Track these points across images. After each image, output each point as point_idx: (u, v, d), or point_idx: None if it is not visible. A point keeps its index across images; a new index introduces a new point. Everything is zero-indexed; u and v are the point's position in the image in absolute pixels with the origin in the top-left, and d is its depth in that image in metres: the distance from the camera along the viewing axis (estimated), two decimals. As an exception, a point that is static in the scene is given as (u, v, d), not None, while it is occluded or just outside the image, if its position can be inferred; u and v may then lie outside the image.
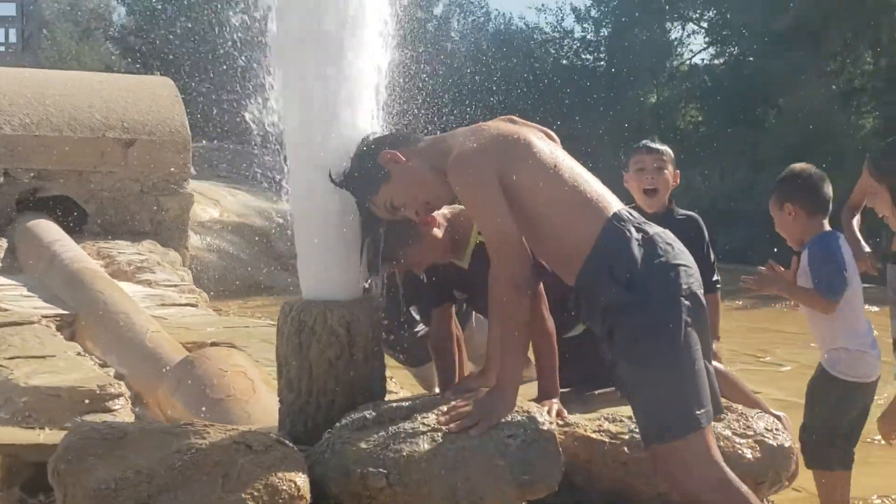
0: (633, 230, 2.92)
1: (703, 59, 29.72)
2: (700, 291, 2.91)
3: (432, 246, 3.30)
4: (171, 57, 21.54)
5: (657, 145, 4.59)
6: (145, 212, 9.25)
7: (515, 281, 2.93)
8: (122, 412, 4.34)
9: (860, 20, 23.75)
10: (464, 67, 29.01)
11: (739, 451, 3.10)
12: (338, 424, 2.91)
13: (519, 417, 2.89)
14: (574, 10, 30.30)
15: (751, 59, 26.21)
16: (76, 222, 9.03)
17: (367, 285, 3.26)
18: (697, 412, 2.80)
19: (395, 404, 2.99)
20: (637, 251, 2.89)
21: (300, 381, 3.11)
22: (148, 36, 25.65)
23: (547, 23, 31.39)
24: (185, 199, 9.40)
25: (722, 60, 28.26)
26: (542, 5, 41.71)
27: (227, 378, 4.29)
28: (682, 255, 2.94)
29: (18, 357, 4.89)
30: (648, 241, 2.91)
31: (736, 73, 26.04)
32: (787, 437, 3.26)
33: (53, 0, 46.39)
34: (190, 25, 24.86)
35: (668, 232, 2.99)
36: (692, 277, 2.91)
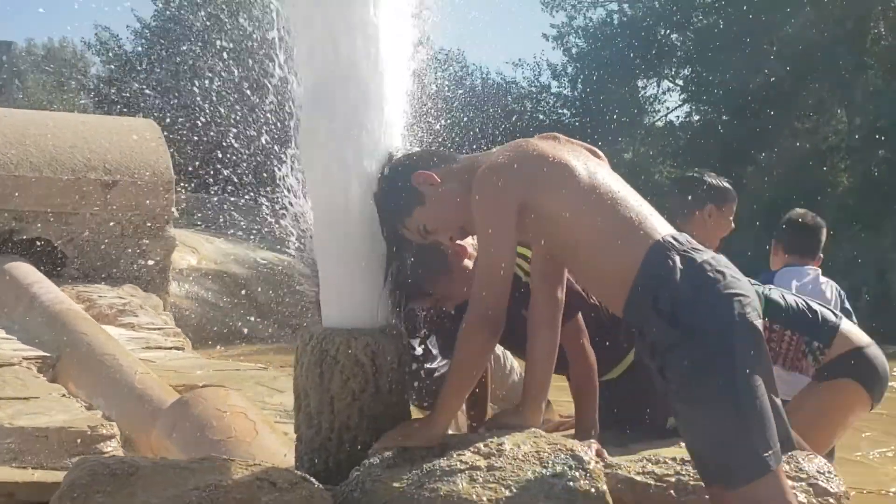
0: (677, 258, 2.70)
1: (678, 117, 29.86)
2: (758, 322, 2.69)
3: (462, 278, 3.09)
4: (147, 107, 21.34)
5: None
6: (126, 255, 8.96)
7: (488, 315, 2.75)
8: (115, 454, 4.07)
9: (833, 79, 23.93)
10: (440, 121, 28.98)
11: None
12: (366, 462, 2.67)
13: (563, 456, 2.66)
14: (550, 65, 30.37)
15: (725, 117, 26.34)
16: (55, 265, 8.73)
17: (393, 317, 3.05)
18: (765, 454, 2.58)
19: (425, 440, 2.75)
20: (681, 279, 2.67)
21: (321, 415, 2.88)
22: (123, 86, 25.41)
23: (524, 77, 31.41)
24: (168, 242, 9.13)
25: (698, 118, 28.37)
26: (520, 60, 41.82)
27: (227, 419, 4.04)
28: (735, 282, 2.71)
29: (1, 398, 4.61)
30: (696, 269, 2.69)
31: (711, 131, 26.14)
32: (840, 481, 3.04)
33: (26, 52, 46.25)
34: (165, 75, 24.81)
35: (720, 257, 2.77)
36: (748, 307, 2.68)
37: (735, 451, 2.59)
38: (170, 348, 6.40)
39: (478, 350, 2.79)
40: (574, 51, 29.90)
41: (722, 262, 2.75)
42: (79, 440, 3.98)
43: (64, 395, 4.89)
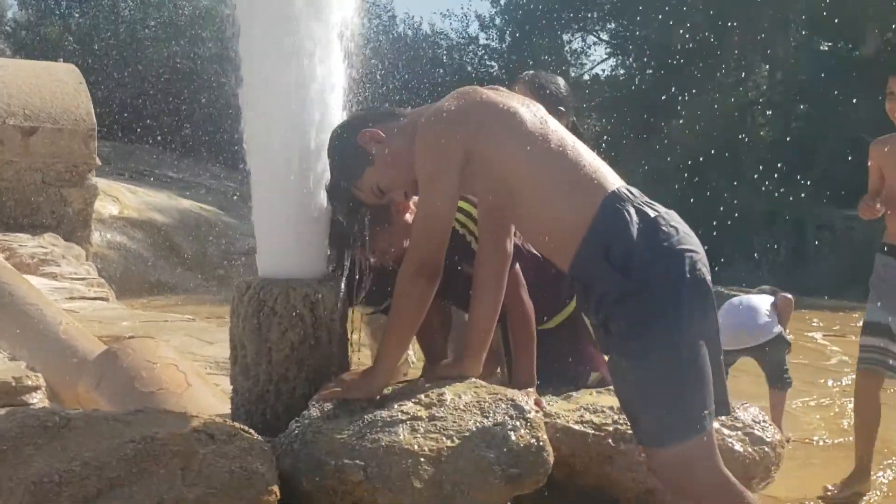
0: (632, 210, 2.67)
1: (604, 70, 29.95)
2: (708, 278, 2.67)
3: (403, 233, 3.04)
4: (67, 52, 20.83)
5: None
6: (47, 204, 8.74)
7: (425, 266, 2.71)
8: (41, 406, 3.98)
9: (755, 35, 24.16)
10: (368, 72, 28.70)
11: (730, 444, 2.92)
12: (306, 413, 2.63)
13: (504, 405, 2.65)
14: (479, 17, 30.21)
15: (649, 71, 26.48)
16: (-28, 214, 8.51)
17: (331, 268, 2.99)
18: (702, 413, 2.57)
19: (365, 391, 2.72)
20: (636, 234, 2.64)
21: (258, 366, 2.82)
22: (41, 31, 24.73)
23: (452, 29, 31.26)
24: (90, 191, 8.92)
25: (623, 72, 28.50)
26: (448, 11, 41.63)
27: (157, 371, 3.97)
28: (687, 238, 2.66)
29: (-82, 350, 4.49)
30: (650, 223, 2.65)
31: (636, 85, 26.28)
32: (775, 430, 3.08)
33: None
34: (85, 21, 24.22)
35: (672, 213, 2.73)
36: (698, 263, 2.65)
37: (670, 409, 2.57)
38: (94, 299, 6.28)
39: (415, 299, 2.75)
40: (502, 1, 29.76)
41: (674, 218, 2.71)
42: (3, 392, 3.88)
43: (-15, 347, 4.77)
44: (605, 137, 27.71)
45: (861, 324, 4.91)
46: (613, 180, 2.73)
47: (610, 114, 27.41)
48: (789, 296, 6.27)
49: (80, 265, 7.55)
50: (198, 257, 12.84)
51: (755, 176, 21.90)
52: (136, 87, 21.74)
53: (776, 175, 21.64)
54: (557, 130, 2.78)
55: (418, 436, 2.49)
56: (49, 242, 8.05)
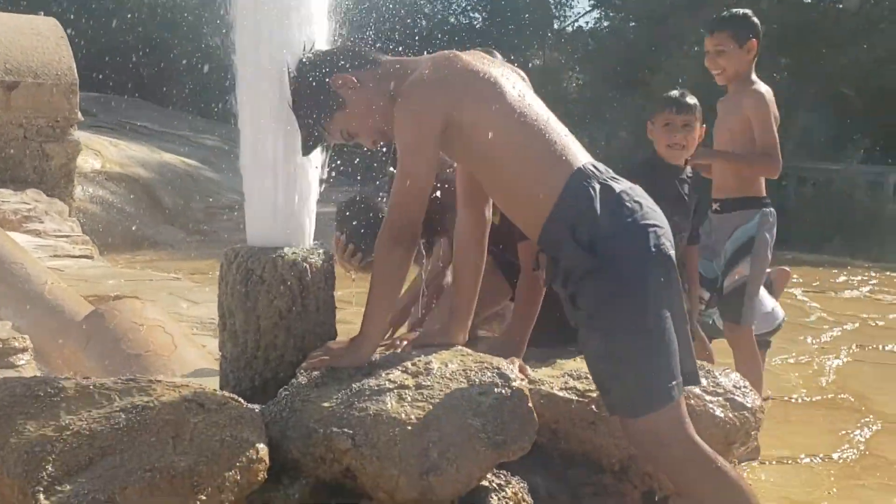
0: (597, 186, 2.70)
1: (587, 23, 29.82)
2: (672, 252, 2.71)
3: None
4: (47, 2, 20.59)
5: (688, 101, 4.58)
6: (29, 159, 8.71)
7: (403, 232, 2.72)
8: (27, 368, 4.00)
9: (742, -12, 24.06)
10: (344, 20, 28.54)
11: (711, 410, 2.97)
12: (293, 381, 2.66)
13: (490, 374, 2.68)
14: (463, -33, 29.93)
15: (633, 23, 26.38)
16: (-48, 169, 8.48)
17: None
18: (669, 384, 2.62)
19: (354, 359, 2.74)
20: (601, 210, 2.67)
21: (246, 334, 2.84)
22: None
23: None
24: (72, 146, 8.88)
25: (607, 24, 28.37)
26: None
27: (144, 332, 4.01)
28: (651, 213, 2.71)
29: None
30: (615, 199, 2.68)
31: (620, 37, 26.20)
32: (756, 395, 3.13)
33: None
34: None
35: (636, 188, 2.77)
36: (662, 238, 2.69)
37: (639, 380, 2.62)
38: (78, 256, 6.29)
39: (394, 265, 2.76)
40: (487, -49, 29.52)
41: (638, 193, 2.75)
42: (-10, 354, 3.90)
43: (-29, 307, 4.78)
44: (587, 92, 27.76)
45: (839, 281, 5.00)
46: (582, 156, 2.76)
47: (593, 67, 27.34)
48: (787, 269, 6.34)
49: (63, 221, 7.54)
50: (180, 212, 12.82)
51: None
52: (116, 36, 21.56)
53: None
54: (532, 104, 2.80)
55: (405, 404, 2.53)
56: (32, 198, 8.03)
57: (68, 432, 2.29)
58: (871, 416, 5.59)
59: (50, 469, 2.21)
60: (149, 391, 2.44)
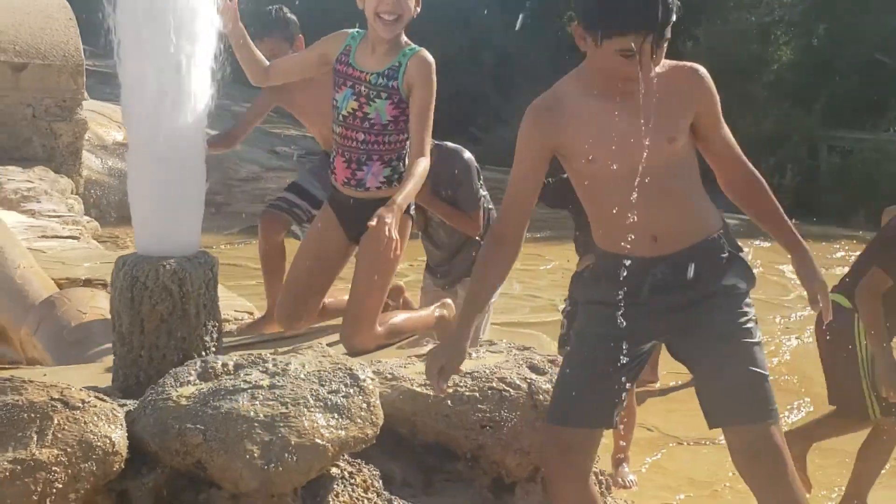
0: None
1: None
2: None
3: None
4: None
5: None
6: (38, 137, 9.13)
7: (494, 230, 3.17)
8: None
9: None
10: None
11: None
12: (161, 380, 2.98)
13: (341, 374, 2.98)
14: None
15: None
16: (-37, 147, 8.92)
17: None
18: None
19: (222, 360, 3.05)
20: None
21: (132, 335, 3.18)
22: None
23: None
24: (79, 125, 9.28)
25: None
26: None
27: (85, 321, 4.34)
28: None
29: None
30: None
31: None
32: None
33: None
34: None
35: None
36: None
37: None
38: (65, 237, 6.64)
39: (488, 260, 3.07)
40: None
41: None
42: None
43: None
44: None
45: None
46: None
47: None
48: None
49: (61, 201, 7.92)
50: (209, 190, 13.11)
51: (767, 98, 21.90)
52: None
53: (786, 96, 21.62)
54: None
55: (256, 403, 2.83)
56: (37, 176, 8.43)
57: (-61, 425, 2.63)
58: (809, 399, 5.79)
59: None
60: (20, 391, 2.75)
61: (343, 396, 2.91)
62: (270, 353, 3.13)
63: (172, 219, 3.25)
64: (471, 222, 4.60)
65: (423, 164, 3.61)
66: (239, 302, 5.35)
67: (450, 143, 4.70)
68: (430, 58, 3.72)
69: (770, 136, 19.69)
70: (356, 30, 3.81)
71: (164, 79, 3.21)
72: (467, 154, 4.70)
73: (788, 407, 5.62)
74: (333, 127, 3.84)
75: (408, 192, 3.53)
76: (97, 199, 11.10)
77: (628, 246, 2.90)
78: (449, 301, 4.36)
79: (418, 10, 3.72)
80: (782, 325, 7.73)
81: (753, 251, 10.87)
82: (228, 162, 13.98)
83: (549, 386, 3.26)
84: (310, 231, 4.14)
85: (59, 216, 7.23)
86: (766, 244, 11.34)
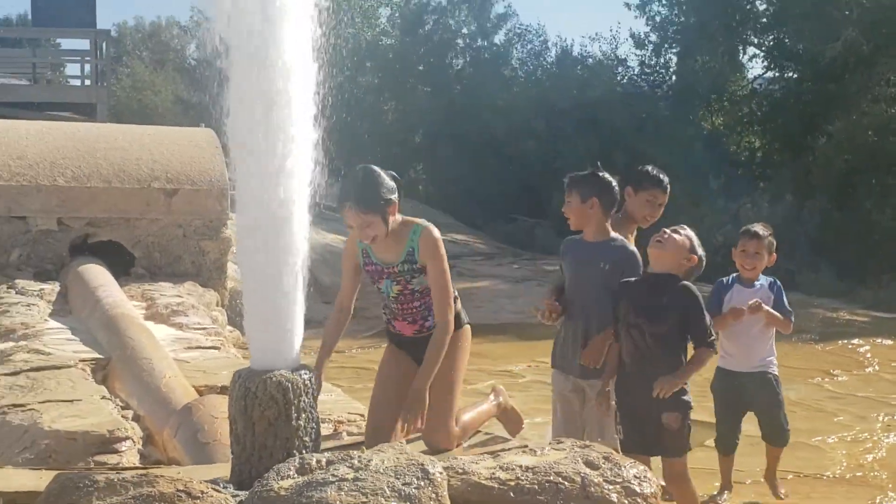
0: None
1: (760, 85, 29.84)
2: None
3: None
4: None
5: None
6: (187, 255, 10.07)
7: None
8: (129, 454, 5.05)
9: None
10: (522, 95, 29.78)
11: (607, 495, 3.73)
12: (266, 474, 3.59)
13: (414, 468, 3.54)
14: (633, 35, 30.60)
15: (808, 83, 26.36)
16: (124, 265, 9.89)
17: None
18: None
19: (316, 457, 3.65)
20: None
21: (245, 437, 3.81)
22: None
23: (601, 51, 31.82)
24: (224, 242, 10.19)
25: (778, 86, 28.38)
26: (597, 34, 42.61)
27: (217, 424, 5.00)
28: None
29: (50, 401, 5.60)
30: None
31: (791, 99, 26.36)
32: (653, 484, 3.86)
33: (135, 29, 48.09)
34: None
35: None
36: None
37: None
38: (207, 348, 7.39)
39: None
40: (657, 18, 30.03)
41: None
42: (99, 443, 4.98)
43: (104, 397, 5.88)
44: (758, 154, 27.94)
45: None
46: None
47: (765, 129, 27.59)
48: None
49: (207, 313, 8.73)
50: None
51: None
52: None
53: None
54: None
55: (342, 493, 3.41)
56: (186, 291, 9.30)
57: (96, 514, 3.29)
58: (893, 494, 6.03)
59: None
60: (154, 483, 3.41)
61: (415, 488, 3.47)
62: (357, 452, 3.72)
63: (278, 338, 3.89)
64: None
65: (442, 337, 4.51)
66: (354, 405, 5.98)
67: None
68: (435, 231, 4.53)
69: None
70: None
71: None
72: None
73: (870, 502, 5.88)
74: (388, 303, 4.69)
75: (428, 373, 4.51)
76: (241, 308, 11.96)
77: None
78: (501, 387, 5.05)
79: (396, 218, 4.51)
80: (885, 422, 7.92)
81: (872, 348, 11.04)
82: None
83: (601, 479, 3.75)
84: (382, 365, 4.94)
85: (203, 328, 8.01)
86: (889, 342, 11.47)
